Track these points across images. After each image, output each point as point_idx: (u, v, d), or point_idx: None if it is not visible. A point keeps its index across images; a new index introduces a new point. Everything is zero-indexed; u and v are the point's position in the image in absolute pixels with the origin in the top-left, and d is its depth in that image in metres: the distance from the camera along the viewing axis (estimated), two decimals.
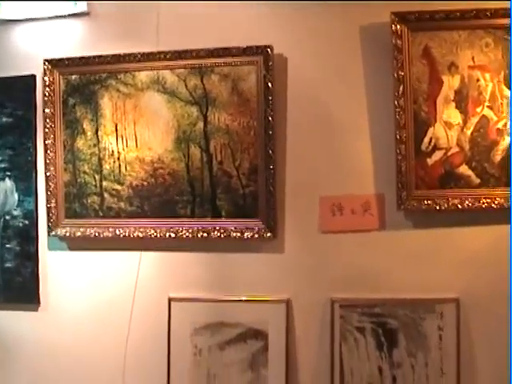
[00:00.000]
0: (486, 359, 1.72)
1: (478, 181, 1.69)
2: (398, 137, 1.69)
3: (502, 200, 1.68)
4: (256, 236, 1.74)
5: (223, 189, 1.76)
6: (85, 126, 1.83)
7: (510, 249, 1.67)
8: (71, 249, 1.88)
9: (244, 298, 1.79)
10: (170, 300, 1.80)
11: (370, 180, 1.74)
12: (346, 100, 1.73)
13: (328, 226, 1.75)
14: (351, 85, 1.73)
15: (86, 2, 1.81)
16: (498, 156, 1.68)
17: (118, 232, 1.80)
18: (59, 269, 1.88)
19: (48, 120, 1.84)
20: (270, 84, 1.71)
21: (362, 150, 1.73)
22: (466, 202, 1.69)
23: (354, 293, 1.75)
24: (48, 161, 1.84)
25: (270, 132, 1.71)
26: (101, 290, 1.85)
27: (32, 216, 1.87)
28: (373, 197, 1.73)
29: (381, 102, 1.71)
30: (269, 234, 1.73)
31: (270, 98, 1.71)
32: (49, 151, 1.84)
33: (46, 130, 1.84)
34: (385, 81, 1.70)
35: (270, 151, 1.72)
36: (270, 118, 1.71)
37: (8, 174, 1.88)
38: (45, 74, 1.82)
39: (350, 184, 1.75)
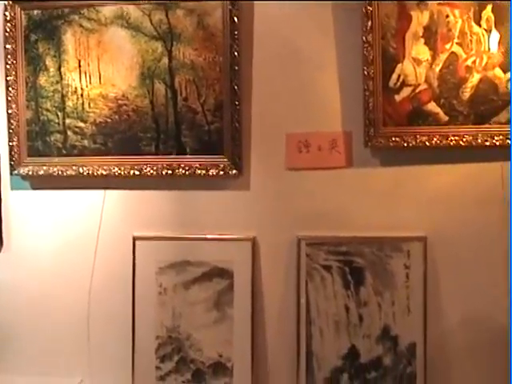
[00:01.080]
0: (452, 298, 1.76)
1: (446, 118, 1.71)
2: (365, 73, 1.71)
3: (471, 138, 1.71)
4: (221, 173, 1.76)
5: (188, 125, 1.77)
6: (47, 62, 1.83)
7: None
8: (34, 188, 1.89)
9: (209, 237, 1.81)
10: (134, 239, 1.82)
11: (337, 117, 1.76)
12: (314, 36, 1.76)
13: (294, 163, 1.77)
14: (319, 20, 1.75)
15: None
16: (466, 93, 1.70)
17: (81, 170, 1.82)
18: (22, 208, 1.89)
19: (9, 56, 1.84)
20: (235, 19, 1.72)
21: (329, 86, 1.75)
22: (434, 140, 1.71)
23: (321, 231, 1.77)
24: (10, 98, 1.85)
25: (236, 68, 1.73)
26: (64, 230, 1.86)
27: None
28: (340, 134, 1.75)
29: (349, 37, 1.73)
30: (234, 171, 1.75)
31: (236, 33, 1.72)
32: (10, 88, 1.85)
33: (8, 66, 1.84)
34: (353, 16, 1.71)
35: (236, 87, 1.74)
36: (236, 54, 1.73)
37: None
38: (6, 9, 1.83)
39: (317, 121, 1.77)
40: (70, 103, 1.83)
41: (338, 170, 1.77)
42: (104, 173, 1.81)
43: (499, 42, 1.68)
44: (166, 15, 1.77)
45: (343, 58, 1.75)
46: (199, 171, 1.77)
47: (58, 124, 1.84)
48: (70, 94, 1.83)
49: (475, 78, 1.70)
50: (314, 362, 1.77)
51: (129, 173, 1.80)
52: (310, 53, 1.76)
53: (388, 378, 1.75)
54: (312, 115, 1.77)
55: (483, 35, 1.69)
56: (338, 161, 1.76)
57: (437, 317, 1.76)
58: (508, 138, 1.71)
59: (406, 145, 1.72)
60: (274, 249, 1.79)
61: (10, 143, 1.86)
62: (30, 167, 1.86)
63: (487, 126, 1.71)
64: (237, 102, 1.74)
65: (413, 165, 1.76)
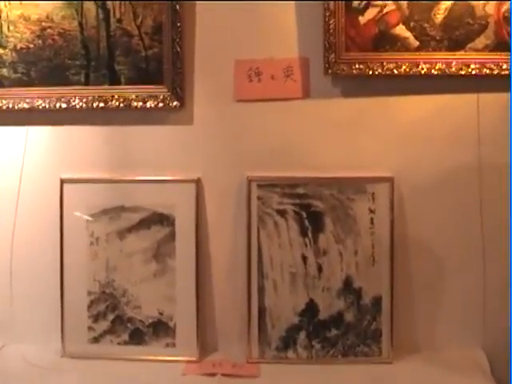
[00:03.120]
0: (421, 246, 1.65)
1: (416, 43, 1.61)
2: None
3: (444, 66, 1.61)
4: (160, 105, 1.63)
5: (122, 51, 1.65)
6: None
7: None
8: None
9: (147, 178, 1.69)
10: (62, 181, 1.70)
11: (292, 41, 1.65)
12: None
13: (244, 94, 1.64)
14: None
15: None
16: (439, 16, 1.59)
17: (0, 103, 1.64)
18: None
19: None
20: None
21: (283, 6, 1.62)
22: (403, 67, 1.61)
23: (274, 170, 1.67)
24: None
25: None
26: None
27: None
28: (296, 60, 1.64)
29: None
30: (175, 103, 1.62)
31: None
32: None
33: None
34: None
35: (177, 6, 1.61)
36: None
37: None
38: None
39: (270, 46, 1.66)
40: None
41: (294, 101, 1.66)
42: (26, 106, 1.68)
43: None
44: None
45: None
46: (135, 103, 1.64)
47: None
48: None
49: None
50: (267, 319, 1.66)
51: (55, 106, 1.67)
52: None
53: (350, 335, 1.65)
54: (264, 39, 1.65)
55: None
56: (294, 91, 1.64)
57: (404, 267, 1.64)
58: (486, 67, 1.58)
59: (371, 73, 1.62)
60: (220, 191, 1.68)
61: None
62: None
63: (462, 52, 1.61)
64: (178, 24, 1.61)
65: (378, 95, 1.66)
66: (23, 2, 1.68)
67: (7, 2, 1.70)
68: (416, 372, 1.59)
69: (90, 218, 1.67)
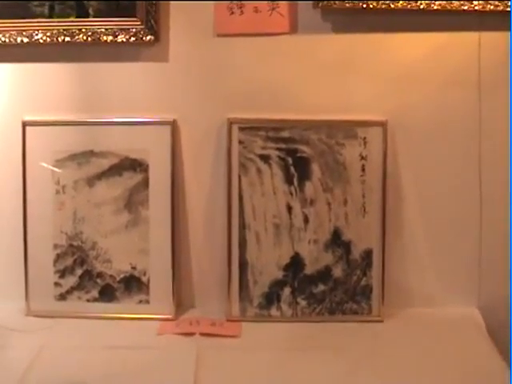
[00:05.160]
0: (415, 196, 1.59)
1: None
2: None
3: (444, 1, 1.48)
4: (133, 39, 1.56)
5: None
6: None
7: None
8: None
9: (118, 120, 1.61)
10: (24, 124, 1.61)
11: None
12: None
13: (225, 28, 1.56)
14: None
15: None
16: None
17: None
18: None
19: None
20: None
21: None
22: (400, 1, 1.54)
23: (257, 112, 1.59)
24: None
25: None
26: None
27: None
28: None
29: None
30: (149, 37, 1.54)
31: None
32: None
33: None
34: None
35: None
36: None
37: None
38: None
39: None
40: None
41: (280, 36, 1.58)
42: None
43: None
44: None
45: None
46: (105, 37, 1.56)
47: None
48: None
49: None
50: (248, 274, 1.60)
51: (15, 40, 1.58)
52: None
53: (338, 291, 1.59)
54: None
55: None
56: (280, 25, 1.57)
57: (397, 217, 1.58)
58: (490, 3, 1.52)
59: (364, 6, 1.53)
60: (198, 134, 1.61)
61: None
62: None
63: None
64: None
65: (372, 32, 1.59)
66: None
67: None
68: (407, 331, 1.54)
69: (56, 169, 1.56)
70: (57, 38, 1.59)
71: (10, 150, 1.63)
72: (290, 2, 1.58)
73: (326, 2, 1.55)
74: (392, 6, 1.56)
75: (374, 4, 1.55)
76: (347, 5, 1.55)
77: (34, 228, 1.63)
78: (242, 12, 1.59)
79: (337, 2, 1.55)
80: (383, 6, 1.56)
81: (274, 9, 1.59)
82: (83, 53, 1.61)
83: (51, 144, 1.62)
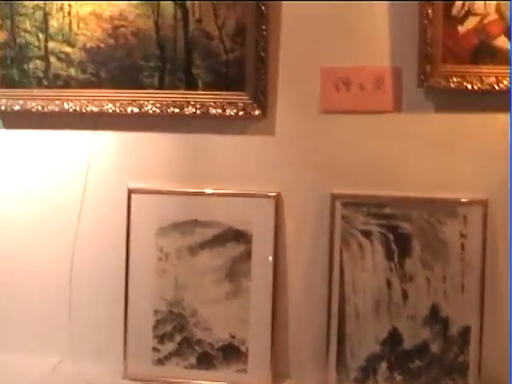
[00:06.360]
0: None
1: None
2: None
3: None
4: (241, 113, 1.60)
5: (201, 53, 1.62)
6: None
7: None
8: (7, 127, 1.75)
9: (223, 191, 1.67)
10: (129, 192, 1.68)
11: (384, 49, 1.62)
12: None
13: (330, 105, 1.60)
14: None
15: None
16: None
17: (66, 106, 1.66)
18: None
19: None
20: None
21: (376, 11, 1.62)
22: (505, 82, 1.58)
23: (360, 188, 1.64)
24: None
25: None
26: (43, 180, 1.74)
27: None
28: (388, 70, 1.60)
29: None
30: (257, 112, 1.59)
31: None
32: None
33: None
34: None
35: (262, 7, 1.56)
36: None
37: None
38: None
39: (360, 53, 1.64)
40: (54, 22, 1.67)
41: (384, 114, 1.62)
42: (95, 109, 1.65)
43: None
44: None
45: None
46: (214, 110, 1.61)
47: (39, 48, 1.68)
48: (54, 11, 1.68)
49: None
50: (346, 347, 1.64)
51: (125, 110, 1.64)
52: None
53: (435, 367, 1.63)
54: (354, 46, 1.63)
55: None
56: (384, 103, 1.61)
57: (496, 296, 1.63)
58: None
59: (469, 87, 1.57)
60: (302, 208, 1.66)
61: None
62: (3, 101, 1.72)
63: None
64: (263, 26, 1.56)
65: (475, 112, 1.63)
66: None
67: None
68: None
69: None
70: (166, 110, 1.65)
71: (115, 216, 1.70)
72: (394, 81, 1.62)
73: (431, 82, 1.60)
74: (495, 87, 1.60)
75: (479, 85, 1.60)
76: (452, 85, 1.60)
77: (136, 293, 1.69)
78: (348, 89, 1.65)
79: (441, 82, 1.59)
80: (487, 87, 1.60)
81: (378, 87, 1.64)
82: (190, 124, 1.67)
83: (155, 212, 1.68)
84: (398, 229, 1.64)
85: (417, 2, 1.57)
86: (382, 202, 1.64)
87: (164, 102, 1.66)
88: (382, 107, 1.65)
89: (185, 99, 1.66)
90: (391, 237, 1.64)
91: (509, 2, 1.55)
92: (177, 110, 1.65)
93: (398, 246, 1.64)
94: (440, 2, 1.58)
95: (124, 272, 1.69)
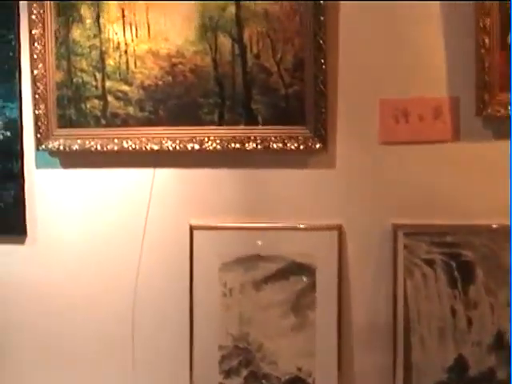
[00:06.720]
0: None
1: None
2: (480, 25, 1.55)
3: None
4: (302, 147, 1.62)
5: (260, 89, 1.64)
6: (82, 11, 1.71)
7: None
8: (65, 166, 1.77)
9: (286, 225, 1.69)
10: (191, 228, 1.69)
11: (442, 80, 1.65)
12: None
13: (390, 136, 1.62)
14: None
15: None
16: None
17: (125, 144, 1.67)
18: (50, 191, 1.78)
19: (35, 5, 1.71)
20: None
21: (433, 42, 1.64)
22: None
23: (422, 218, 1.66)
24: (35, 56, 1.72)
25: (321, 18, 1.56)
26: (103, 218, 1.75)
27: (15, 126, 1.76)
28: (446, 100, 1.62)
29: None
30: (318, 145, 1.61)
31: None
32: (36, 44, 1.70)
33: (33, 17, 1.68)
34: None
35: (321, 41, 1.57)
36: (322, 1, 1.53)
37: None
38: None
39: (418, 84, 1.66)
40: (110, 62, 1.68)
41: (443, 144, 1.62)
42: (154, 147, 1.66)
43: None
44: None
45: (451, 7, 1.62)
46: (275, 145, 1.61)
47: (96, 87, 1.68)
48: (111, 50, 1.69)
49: None
50: (413, 375, 1.67)
51: (185, 147, 1.65)
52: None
53: None
54: (411, 77, 1.65)
55: None
56: (443, 133, 1.63)
57: None
58: None
59: None
60: (364, 239, 1.69)
61: (36, 111, 1.72)
62: (61, 141, 1.72)
63: None
64: (322, 60, 1.59)
65: None
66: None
67: (134, 36, 1.65)
68: None
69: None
70: (227, 146, 1.67)
71: (177, 252, 1.72)
72: (452, 110, 1.65)
73: (489, 111, 1.62)
74: None
75: None
76: (510, 113, 1.62)
77: (200, 328, 1.71)
78: (406, 121, 1.67)
79: (500, 110, 1.62)
80: None
81: (437, 117, 1.66)
82: (250, 158, 1.69)
83: (218, 247, 1.70)
84: (461, 256, 1.66)
85: (473, 31, 1.59)
86: (444, 231, 1.66)
87: (224, 138, 1.68)
88: (441, 137, 1.67)
89: (245, 134, 1.67)
90: (454, 264, 1.66)
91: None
92: (238, 146, 1.67)
93: (461, 273, 1.66)
94: (496, 30, 1.59)
95: (188, 308, 1.70)
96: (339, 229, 1.68)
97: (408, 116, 1.67)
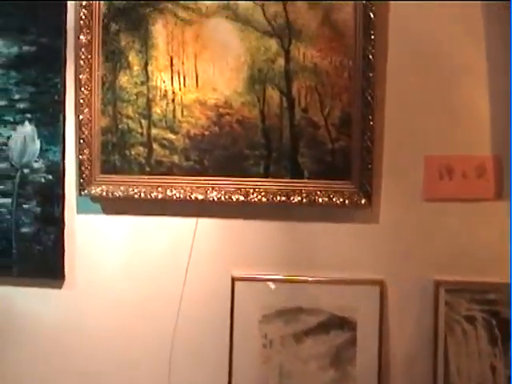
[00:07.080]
0: None
1: None
2: None
3: None
4: (347, 202, 1.62)
5: (307, 142, 1.65)
6: (131, 58, 1.69)
7: None
8: (107, 212, 1.77)
9: (327, 279, 1.70)
10: (233, 279, 1.70)
11: (485, 138, 1.67)
12: (461, 39, 1.64)
13: (434, 193, 1.64)
14: (467, 20, 1.60)
15: None
16: None
17: (169, 193, 1.67)
18: (90, 237, 1.77)
19: (83, 50, 1.71)
20: (371, 15, 1.55)
21: (477, 101, 1.67)
22: None
23: (463, 275, 1.68)
24: (81, 101, 1.71)
25: (370, 74, 1.58)
26: (143, 266, 1.73)
27: (58, 170, 1.75)
28: (489, 158, 1.65)
29: (502, 42, 1.57)
30: (363, 201, 1.61)
31: (372, 32, 1.55)
32: (83, 89, 1.70)
33: (81, 62, 1.70)
34: (507, 16, 1.56)
35: (369, 97, 1.59)
36: (371, 57, 1.57)
37: (28, 116, 1.75)
38: None
39: (462, 142, 1.68)
40: (157, 109, 1.68)
41: (486, 202, 1.62)
42: (199, 197, 1.66)
43: None
44: (284, 7, 1.62)
45: (495, 67, 1.66)
46: (320, 199, 1.62)
47: (142, 134, 1.68)
48: (158, 98, 1.69)
49: None
50: None
51: (230, 198, 1.65)
52: (456, 59, 1.68)
53: None
54: (456, 135, 1.67)
55: None
56: (486, 191, 1.66)
57: None
58: None
59: None
60: (406, 295, 1.70)
61: (80, 156, 1.71)
62: (104, 187, 1.71)
63: None
64: (370, 117, 1.59)
65: None
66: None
67: (182, 85, 1.66)
68: None
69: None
70: (272, 198, 1.68)
71: (218, 302, 1.72)
72: (495, 169, 1.67)
73: None
74: None
75: None
76: None
77: (240, 380, 1.71)
78: (450, 178, 1.69)
79: None
80: None
81: (480, 175, 1.68)
82: (295, 211, 1.70)
83: (260, 299, 1.70)
84: (501, 314, 1.68)
85: None
86: (486, 289, 1.68)
87: (269, 191, 1.69)
88: (484, 195, 1.69)
89: (291, 188, 1.68)
90: (494, 322, 1.68)
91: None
92: (283, 199, 1.68)
93: (502, 331, 1.68)
94: None
95: (228, 358, 1.70)
96: (381, 284, 1.69)
97: (452, 173, 1.69)
